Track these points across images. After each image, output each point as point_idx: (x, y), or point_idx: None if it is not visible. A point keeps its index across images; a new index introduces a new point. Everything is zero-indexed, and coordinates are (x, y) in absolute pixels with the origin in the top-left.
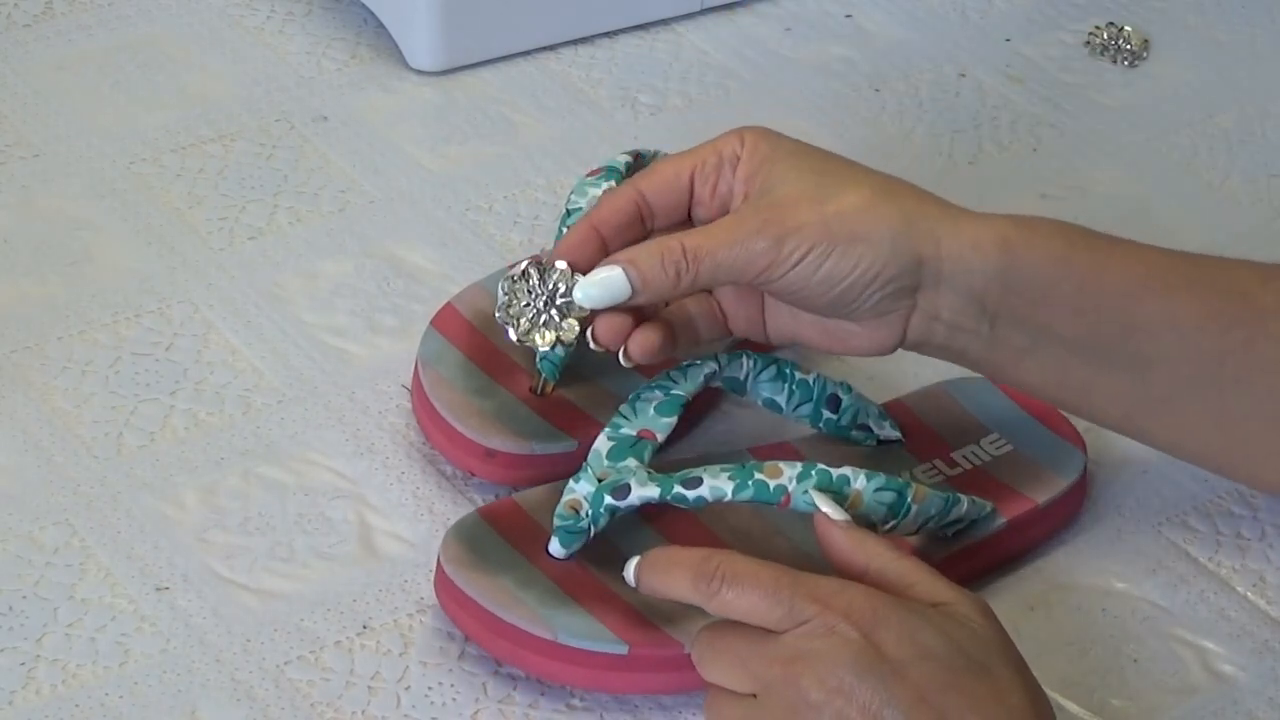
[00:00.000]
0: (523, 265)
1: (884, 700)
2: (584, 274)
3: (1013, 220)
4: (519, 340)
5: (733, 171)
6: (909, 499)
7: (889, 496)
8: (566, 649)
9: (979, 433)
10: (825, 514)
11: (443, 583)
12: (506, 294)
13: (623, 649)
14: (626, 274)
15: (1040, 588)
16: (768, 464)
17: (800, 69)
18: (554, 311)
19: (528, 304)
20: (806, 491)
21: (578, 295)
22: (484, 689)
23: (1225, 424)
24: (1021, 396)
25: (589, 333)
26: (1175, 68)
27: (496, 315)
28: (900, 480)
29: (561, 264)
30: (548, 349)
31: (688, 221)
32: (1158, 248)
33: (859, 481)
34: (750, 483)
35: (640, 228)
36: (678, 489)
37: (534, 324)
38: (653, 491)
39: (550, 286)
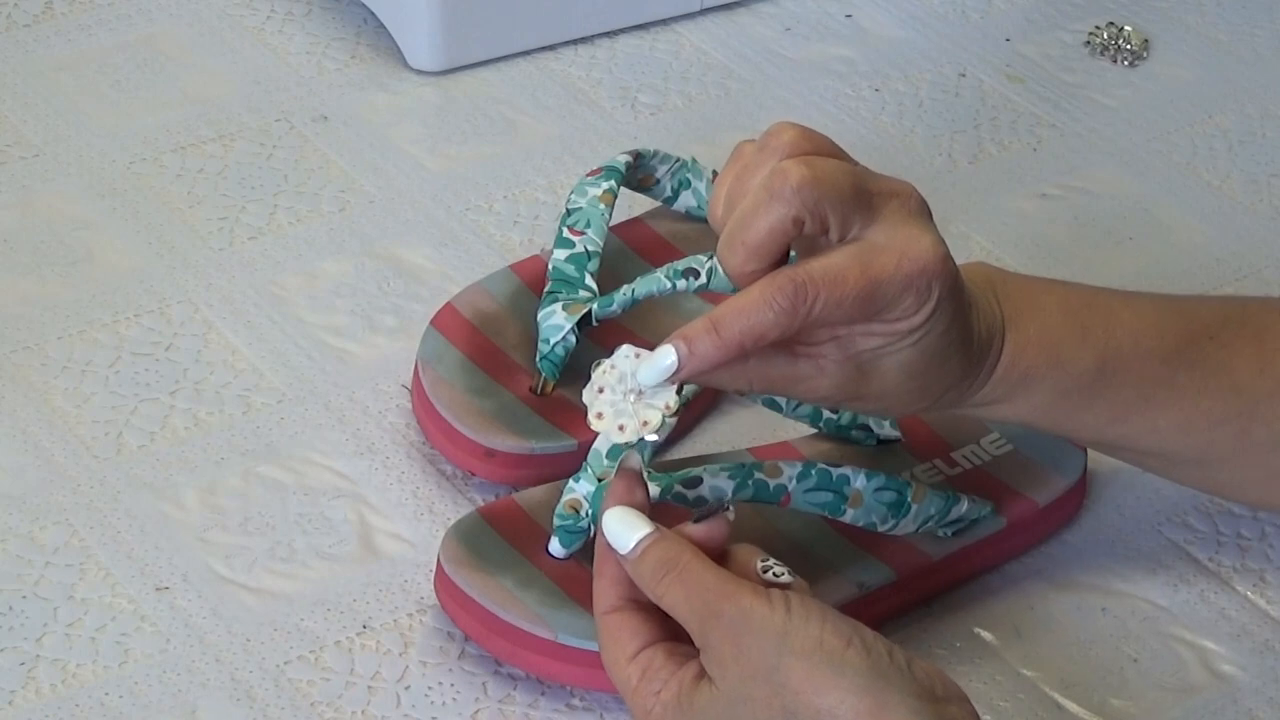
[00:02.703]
0: (598, 379)
1: None
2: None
3: (1048, 349)
4: (637, 438)
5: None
6: (909, 498)
7: (889, 496)
8: (566, 649)
9: (979, 432)
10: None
11: (443, 582)
12: (592, 397)
13: None
14: (678, 353)
15: (1040, 588)
16: (768, 463)
17: (800, 69)
18: (638, 400)
19: (611, 400)
20: (807, 491)
21: (643, 377)
22: (484, 689)
23: (1217, 488)
24: None
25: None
26: (1175, 68)
27: (605, 431)
28: (900, 480)
29: (627, 352)
30: (651, 489)
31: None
32: (1161, 345)
33: (859, 481)
34: (750, 482)
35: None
36: (678, 488)
37: (619, 416)
38: (653, 491)
39: (624, 382)
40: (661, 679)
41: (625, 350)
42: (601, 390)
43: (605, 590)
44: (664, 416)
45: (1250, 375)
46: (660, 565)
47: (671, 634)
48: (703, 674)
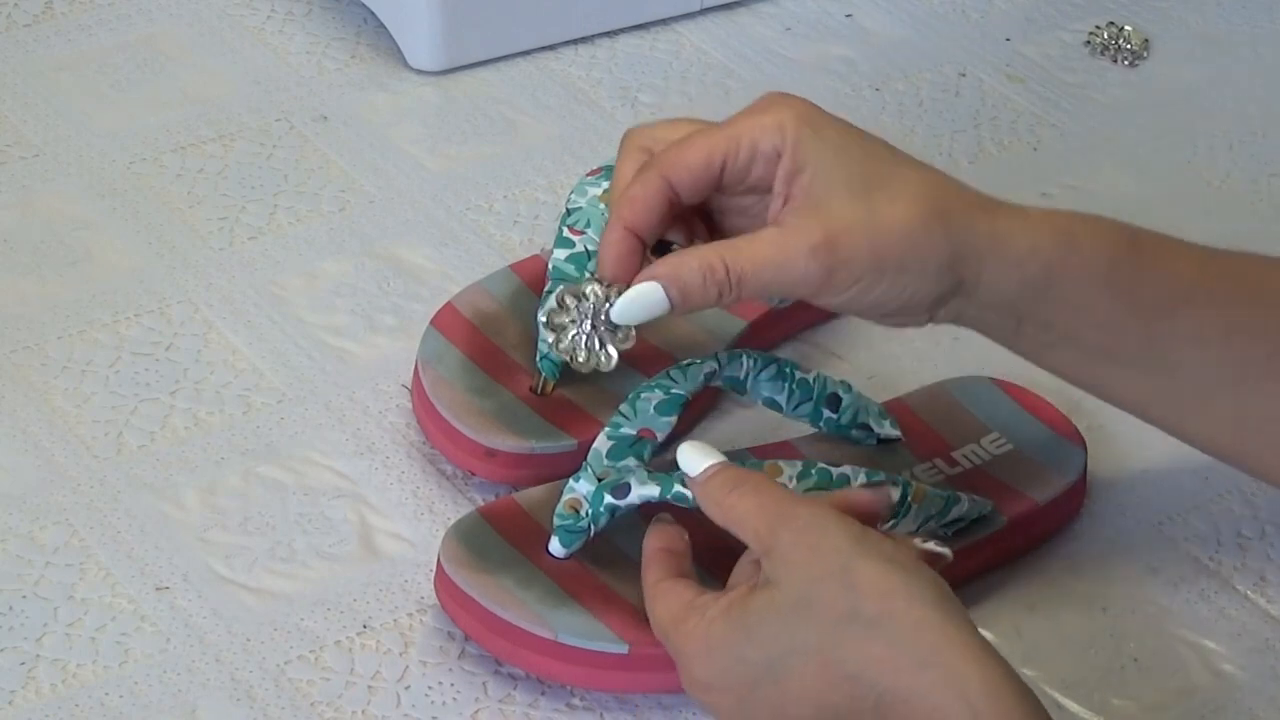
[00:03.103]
0: (555, 297)
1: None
2: (625, 285)
3: (1061, 234)
4: (582, 368)
5: (769, 166)
6: (909, 497)
7: None
8: (567, 648)
9: (979, 432)
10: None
11: (443, 582)
12: (551, 329)
13: (623, 648)
14: (667, 292)
15: (1040, 587)
16: (768, 463)
17: (800, 69)
18: (604, 331)
19: (575, 334)
20: (807, 490)
21: (615, 315)
22: (484, 688)
23: (1242, 424)
24: (1022, 395)
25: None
26: (1175, 68)
27: (547, 348)
28: (900, 479)
29: (595, 286)
30: (611, 367)
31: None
32: (1196, 253)
33: (859, 480)
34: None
35: (670, 216)
36: (678, 488)
37: (590, 349)
38: (653, 491)
39: (592, 308)
40: (712, 604)
41: (595, 285)
42: (562, 307)
43: (658, 566)
44: (617, 354)
45: None
46: (729, 480)
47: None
48: (758, 587)
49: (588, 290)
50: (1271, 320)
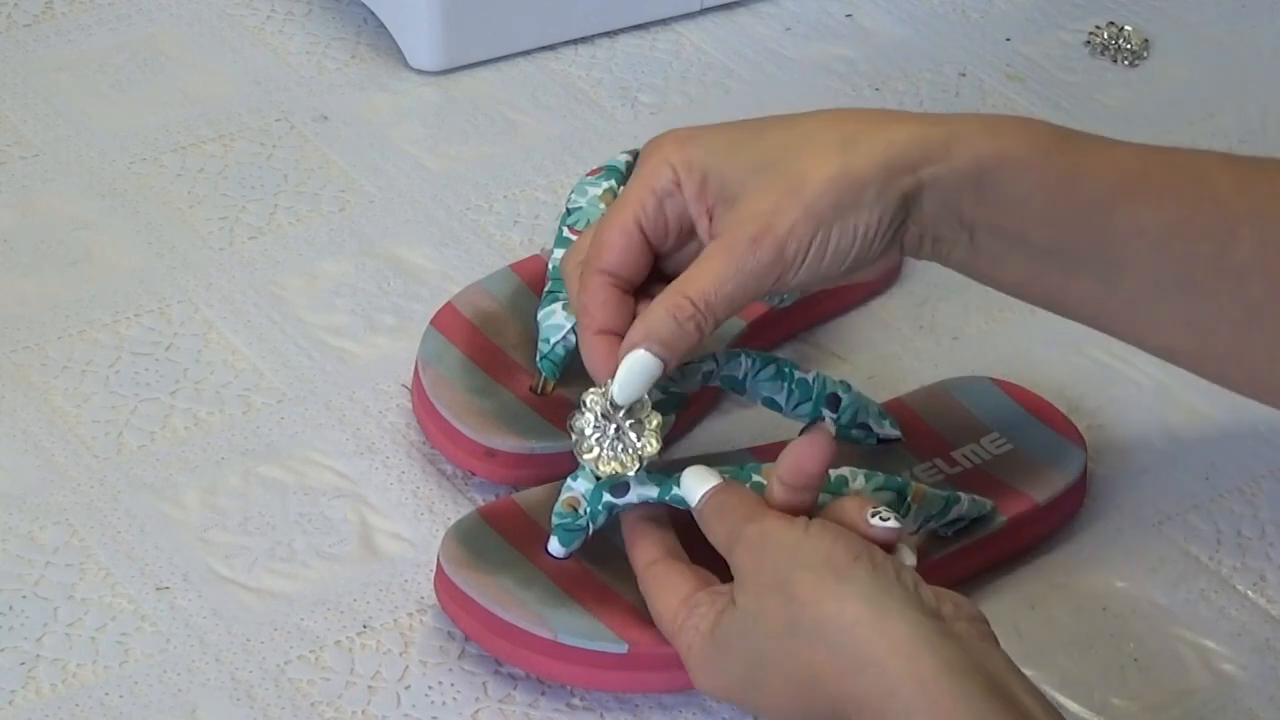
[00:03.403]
0: (571, 430)
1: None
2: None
3: (986, 129)
4: (629, 469)
5: (678, 202)
6: (909, 498)
7: (888, 496)
8: (566, 648)
9: (979, 431)
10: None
11: (443, 583)
12: (578, 441)
13: (622, 648)
14: (651, 353)
15: (1040, 587)
16: (765, 465)
17: (800, 69)
18: (626, 427)
19: (598, 439)
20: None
21: (619, 398)
22: (484, 688)
23: (1194, 327)
24: (1022, 395)
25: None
26: (1175, 68)
27: (586, 465)
28: (900, 479)
29: (592, 395)
30: (655, 453)
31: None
32: (1134, 148)
33: (858, 481)
34: (748, 485)
35: (631, 306)
36: (676, 490)
37: (617, 451)
38: (651, 491)
39: (600, 413)
40: (701, 613)
41: (590, 391)
42: (585, 432)
43: (644, 548)
44: (658, 436)
45: (1229, 189)
46: (715, 506)
47: (712, 582)
48: (728, 604)
49: (588, 401)
50: (1215, 218)
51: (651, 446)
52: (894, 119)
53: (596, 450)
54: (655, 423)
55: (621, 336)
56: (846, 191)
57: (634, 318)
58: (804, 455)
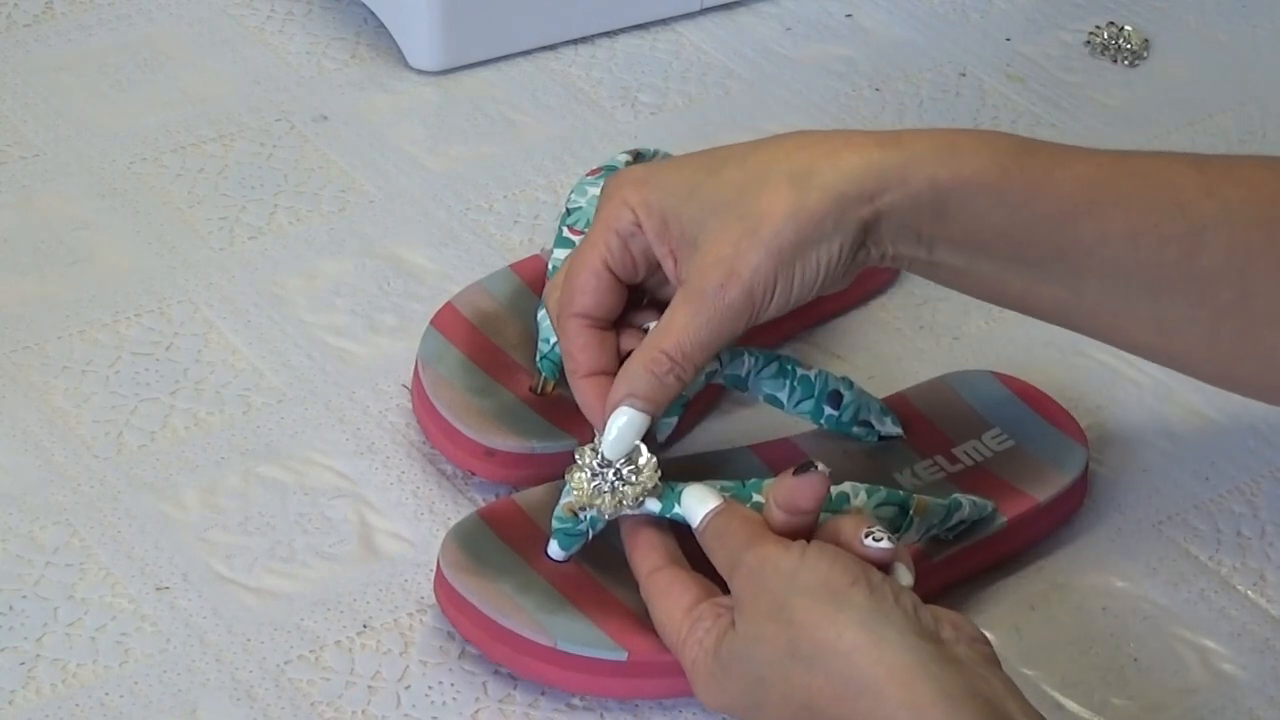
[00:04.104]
0: (574, 473)
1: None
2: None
3: (942, 150)
4: (633, 508)
5: (641, 242)
6: (911, 511)
7: (890, 512)
8: (566, 655)
9: (981, 427)
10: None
11: (442, 587)
12: (577, 496)
13: (622, 655)
14: (635, 409)
15: (1040, 587)
16: (767, 482)
17: (800, 69)
18: (623, 474)
19: (594, 488)
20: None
21: (611, 455)
22: (484, 688)
23: (1162, 328)
24: (1024, 389)
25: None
26: (1175, 67)
27: (587, 513)
28: (902, 494)
29: (584, 452)
30: (652, 503)
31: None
32: (1098, 156)
33: (859, 497)
34: (750, 504)
35: (614, 343)
36: (677, 509)
37: (617, 499)
38: (654, 506)
39: (595, 465)
40: (704, 628)
41: (581, 449)
42: (584, 489)
43: (646, 555)
44: (653, 473)
45: (1196, 194)
46: (716, 530)
47: (713, 591)
48: (728, 627)
49: (582, 460)
50: (1181, 225)
51: (650, 482)
52: (848, 144)
53: (599, 501)
54: (645, 458)
55: (608, 374)
56: (804, 227)
57: (617, 351)
58: (798, 491)
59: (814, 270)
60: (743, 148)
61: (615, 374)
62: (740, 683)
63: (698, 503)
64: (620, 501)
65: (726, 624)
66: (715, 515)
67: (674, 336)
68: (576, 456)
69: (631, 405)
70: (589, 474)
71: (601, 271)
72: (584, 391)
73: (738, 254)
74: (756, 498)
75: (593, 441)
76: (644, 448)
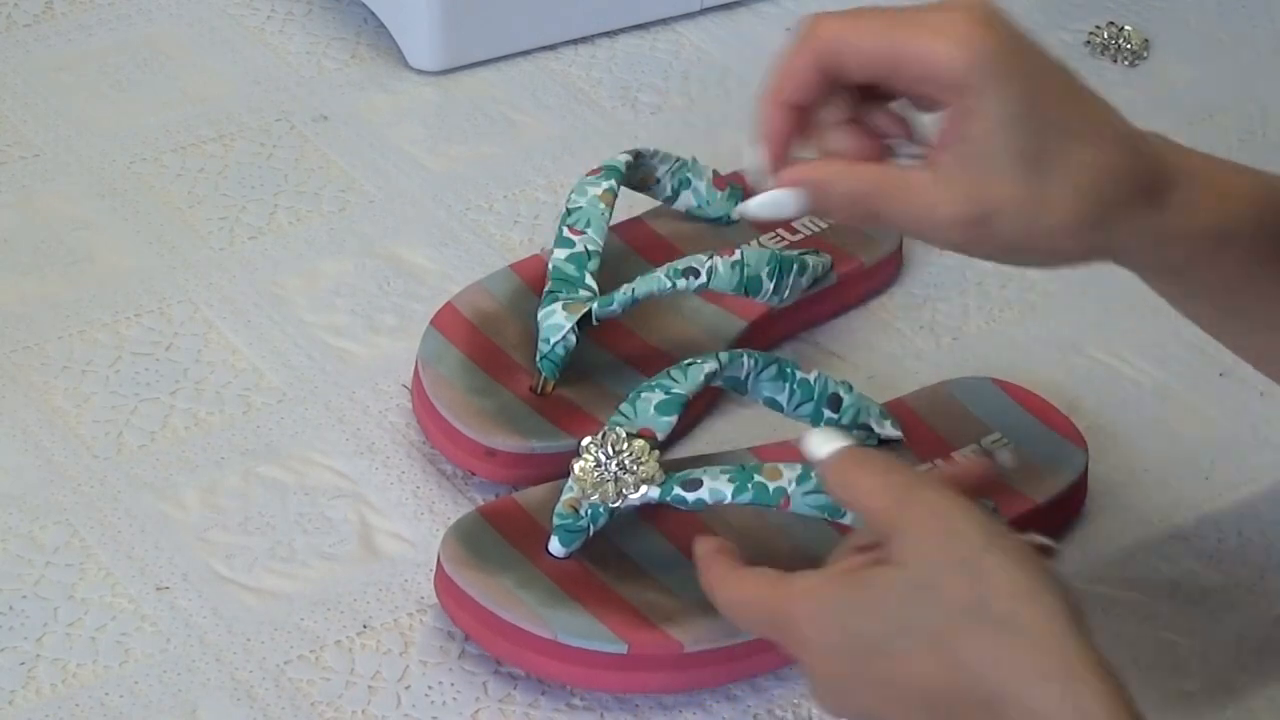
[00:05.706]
0: (577, 464)
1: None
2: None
3: (1250, 206)
4: (632, 495)
5: (942, 91)
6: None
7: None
8: (566, 648)
9: (980, 432)
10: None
11: (443, 582)
12: (579, 484)
13: (622, 648)
14: (805, 199)
15: None
16: (767, 466)
17: None
18: (624, 465)
19: (598, 476)
20: (807, 494)
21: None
22: (484, 688)
23: None
24: (1023, 396)
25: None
26: (1175, 67)
27: (587, 501)
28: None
29: (590, 440)
30: (651, 491)
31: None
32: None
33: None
34: (750, 485)
35: (827, 88)
36: (677, 490)
37: (619, 487)
38: (652, 493)
39: (600, 457)
40: (807, 575)
41: (584, 442)
42: (587, 477)
43: (718, 562)
44: (655, 461)
45: None
46: (855, 457)
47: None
48: (879, 562)
49: (590, 449)
50: None
51: (651, 470)
52: (1158, 186)
53: (601, 489)
54: (644, 446)
55: (803, 109)
56: (1067, 245)
57: (816, 103)
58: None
59: (1035, 263)
60: (1083, 112)
61: (808, 124)
62: (877, 625)
63: (827, 441)
64: (621, 490)
65: (859, 564)
66: (852, 449)
67: (894, 208)
68: (583, 445)
69: (809, 191)
70: (593, 462)
71: (881, 63)
72: (768, 110)
73: (1001, 214)
74: (759, 478)
75: (596, 435)
76: (645, 443)
